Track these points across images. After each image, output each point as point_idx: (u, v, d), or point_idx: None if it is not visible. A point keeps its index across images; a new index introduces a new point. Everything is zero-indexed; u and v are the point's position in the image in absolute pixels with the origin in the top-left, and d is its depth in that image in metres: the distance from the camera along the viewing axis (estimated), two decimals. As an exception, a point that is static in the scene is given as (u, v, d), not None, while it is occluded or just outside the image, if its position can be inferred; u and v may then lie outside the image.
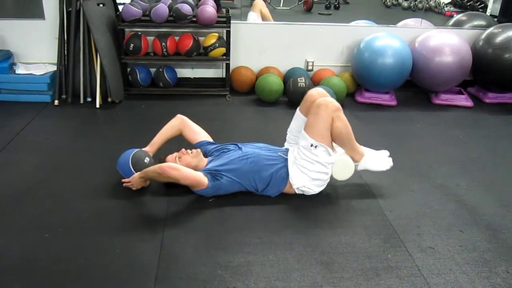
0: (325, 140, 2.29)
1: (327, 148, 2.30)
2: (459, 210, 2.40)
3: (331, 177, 2.44)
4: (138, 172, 2.38)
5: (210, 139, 2.67)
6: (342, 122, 2.29)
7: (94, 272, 1.86)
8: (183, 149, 2.48)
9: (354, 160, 2.43)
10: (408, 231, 2.20)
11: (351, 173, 2.43)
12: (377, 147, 3.09)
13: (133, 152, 2.47)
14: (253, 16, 4.72)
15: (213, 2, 3.89)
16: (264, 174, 2.36)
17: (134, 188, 2.41)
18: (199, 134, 2.66)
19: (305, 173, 2.35)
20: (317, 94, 2.43)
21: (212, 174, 2.33)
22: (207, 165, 2.43)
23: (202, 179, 2.28)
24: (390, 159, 2.50)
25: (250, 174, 2.36)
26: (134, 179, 2.39)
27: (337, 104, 2.29)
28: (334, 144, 2.37)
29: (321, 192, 2.47)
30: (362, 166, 2.45)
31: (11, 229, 2.12)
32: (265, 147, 2.52)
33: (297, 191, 2.41)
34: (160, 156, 2.52)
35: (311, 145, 2.28)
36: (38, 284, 1.79)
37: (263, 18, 4.77)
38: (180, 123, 2.64)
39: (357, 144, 2.43)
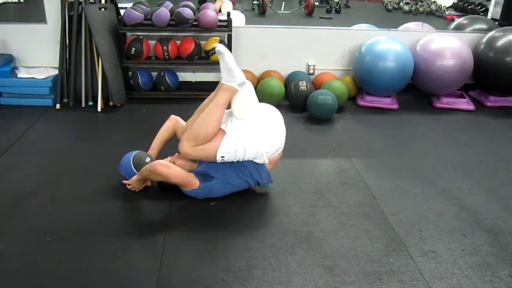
0: (213, 147, 2.25)
1: (223, 145, 2.24)
2: (461, 214, 2.39)
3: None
4: (136, 175, 2.39)
5: None
6: (194, 138, 2.24)
7: (96, 276, 1.85)
8: (177, 154, 2.49)
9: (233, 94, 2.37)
10: (410, 235, 2.19)
11: (249, 100, 2.34)
12: (378, 151, 3.11)
13: (134, 153, 2.49)
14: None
15: (214, 6, 3.90)
16: (245, 167, 2.36)
17: (136, 190, 2.43)
18: None
19: (253, 157, 2.33)
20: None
21: (203, 175, 2.34)
22: (198, 166, 2.45)
23: (192, 179, 2.30)
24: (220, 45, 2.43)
25: (234, 172, 2.36)
26: (133, 182, 2.41)
27: (182, 149, 2.28)
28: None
29: (323, 196, 2.48)
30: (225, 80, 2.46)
31: (12, 233, 2.12)
32: None
33: (270, 162, 2.41)
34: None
35: (221, 160, 2.28)
36: (39, 288, 1.78)
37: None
38: (174, 124, 2.64)
39: (216, 99, 2.37)
